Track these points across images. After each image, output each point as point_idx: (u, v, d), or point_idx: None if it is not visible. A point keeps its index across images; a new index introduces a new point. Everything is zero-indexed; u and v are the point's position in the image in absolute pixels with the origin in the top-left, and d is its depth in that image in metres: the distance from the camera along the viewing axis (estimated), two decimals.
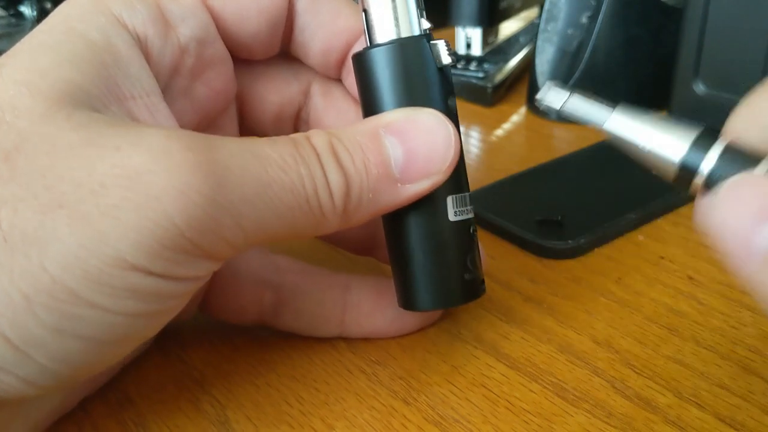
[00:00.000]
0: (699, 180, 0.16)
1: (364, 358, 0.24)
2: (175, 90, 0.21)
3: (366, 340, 0.25)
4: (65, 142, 0.16)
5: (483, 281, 0.23)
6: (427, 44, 0.21)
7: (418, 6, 0.21)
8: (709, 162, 0.16)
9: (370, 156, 0.19)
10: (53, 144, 0.16)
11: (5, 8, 0.62)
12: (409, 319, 0.25)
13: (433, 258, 0.21)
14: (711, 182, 0.16)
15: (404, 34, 0.21)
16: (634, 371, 0.23)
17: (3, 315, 0.16)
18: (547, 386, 0.22)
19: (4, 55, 0.19)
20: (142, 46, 0.20)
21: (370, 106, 0.21)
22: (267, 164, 0.18)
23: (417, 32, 0.21)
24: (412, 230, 0.21)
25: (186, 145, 0.17)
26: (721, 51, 0.40)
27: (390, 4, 0.20)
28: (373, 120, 0.20)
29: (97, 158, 0.16)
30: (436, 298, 0.22)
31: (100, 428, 0.21)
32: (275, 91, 0.24)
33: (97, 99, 0.18)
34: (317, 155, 0.19)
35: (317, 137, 0.19)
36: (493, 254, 0.30)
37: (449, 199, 0.21)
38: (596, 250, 0.30)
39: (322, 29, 0.23)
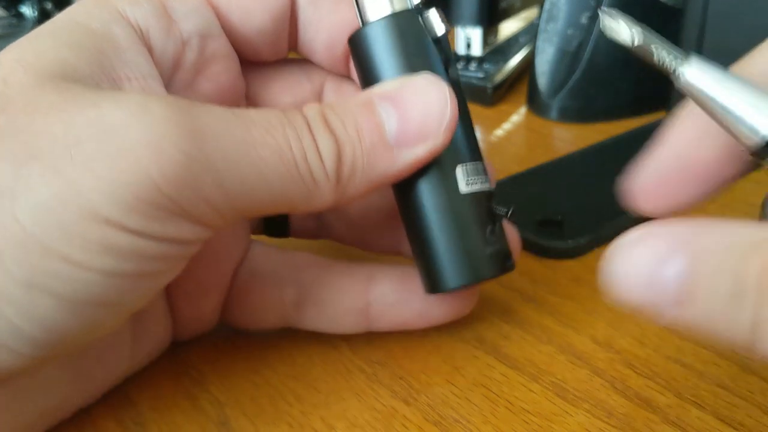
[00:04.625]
0: None
1: (365, 357, 0.24)
2: (179, 85, 0.21)
3: (366, 340, 0.25)
4: (46, 102, 0.17)
5: (510, 256, 0.22)
6: (419, 17, 0.20)
7: None
8: None
9: (362, 122, 0.19)
10: (35, 105, 0.17)
11: (6, 9, 0.62)
12: (437, 310, 0.24)
13: (450, 233, 0.20)
14: None
15: (395, 8, 0.20)
16: (634, 371, 0.23)
17: None
18: (547, 386, 0.22)
19: (7, 46, 0.19)
20: (144, 39, 0.20)
21: (367, 83, 0.21)
22: (251, 125, 0.17)
23: (407, 6, 0.21)
24: (424, 206, 0.21)
25: (165, 102, 0.17)
26: (721, 51, 0.40)
27: None
28: (367, 91, 0.20)
29: (75, 114, 0.16)
30: (460, 275, 0.21)
31: (99, 427, 0.21)
32: (287, 92, 0.24)
33: (89, 77, 0.18)
34: (306, 120, 0.18)
35: (309, 106, 0.19)
36: None
37: (459, 169, 0.20)
38: (596, 250, 0.30)
39: (323, 23, 0.23)
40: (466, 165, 0.21)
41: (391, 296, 0.24)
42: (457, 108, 0.19)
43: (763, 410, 0.21)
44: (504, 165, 0.40)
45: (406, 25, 0.20)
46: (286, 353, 0.24)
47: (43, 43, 0.18)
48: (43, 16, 0.60)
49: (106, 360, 0.21)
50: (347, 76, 0.24)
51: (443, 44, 0.21)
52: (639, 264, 0.16)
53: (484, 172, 0.21)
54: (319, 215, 0.26)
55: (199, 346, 0.25)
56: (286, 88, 0.24)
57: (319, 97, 0.24)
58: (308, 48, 0.23)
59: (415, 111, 0.19)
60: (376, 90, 0.20)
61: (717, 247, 0.15)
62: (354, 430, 0.21)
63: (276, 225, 0.26)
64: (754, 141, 0.16)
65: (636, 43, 0.17)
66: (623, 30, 0.16)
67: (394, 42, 0.20)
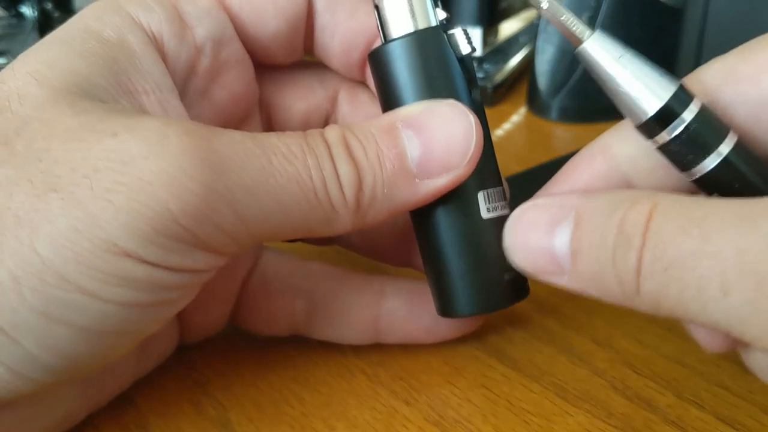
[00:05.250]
0: (665, 136, 0.17)
1: (366, 359, 0.24)
2: (193, 91, 0.21)
3: None
4: (64, 126, 0.16)
5: (525, 281, 0.21)
6: (444, 34, 0.20)
7: None
8: (676, 128, 0.17)
9: (384, 148, 0.18)
10: (52, 128, 0.16)
11: (6, 9, 0.62)
12: (446, 326, 0.24)
13: (469, 259, 0.20)
14: (678, 141, 0.17)
15: (419, 26, 0.20)
16: (634, 371, 0.23)
17: None
18: (547, 386, 0.22)
19: (21, 54, 0.19)
20: (158, 45, 0.20)
21: (388, 102, 0.20)
22: (271, 153, 0.17)
23: (433, 23, 0.20)
24: (443, 231, 0.20)
25: (184, 130, 0.17)
26: (721, 51, 0.40)
27: None
28: (390, 114, 0.19)
29: (93, 143, 0.16)
30: (475, 303, 0.20)
31: (102, 431, 0.21)
32: (301, 98, 0.24)
33: (105, 91, 0.18)
34: (327, 146, 0.18)
35: (330, 130, 0.19)
36: None
37: (481, 195, 0.20)
38: None
39: (340, 28, 0.22)
40: (487, 191, 0.20)
41: (401, 311, 0.24)
42: (482, 138, 0.19)
43: (763, 410, 0.21)
44: (504, 165, 0.39)
45: (430, 43, 0.20)
46: (288, 356, 0.24)
47: (55, 52, 0.18)
48: (43, 16, 0.60)
49: (114, 369, 0.21)
50: (362, 82, 0.24)
51: (467, 64, 0.20)
52: (532, 236, 0.18)
53: (504, 196, 0.21)
54: None
55: (203, 350, 0.25)
56: (299, 94, 0.24)
57: (333, 103, 0.24)
58: (324, 52, 0.23)
59: (439, 141, 0.19)
60: (399, 114, 0.19)
61: (598, 208, 0.17)
62: (354, 430, 0.21)
63: None
64: (639, 117, 0.17)
65: (545, 5, 0.18)
66: None
67: (418, 61, 0.19)
